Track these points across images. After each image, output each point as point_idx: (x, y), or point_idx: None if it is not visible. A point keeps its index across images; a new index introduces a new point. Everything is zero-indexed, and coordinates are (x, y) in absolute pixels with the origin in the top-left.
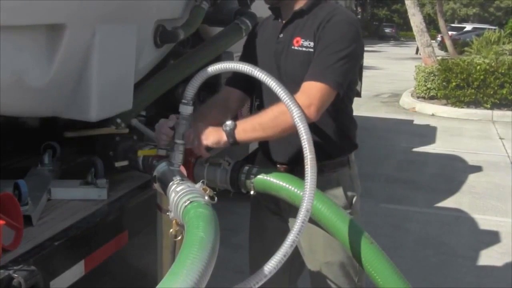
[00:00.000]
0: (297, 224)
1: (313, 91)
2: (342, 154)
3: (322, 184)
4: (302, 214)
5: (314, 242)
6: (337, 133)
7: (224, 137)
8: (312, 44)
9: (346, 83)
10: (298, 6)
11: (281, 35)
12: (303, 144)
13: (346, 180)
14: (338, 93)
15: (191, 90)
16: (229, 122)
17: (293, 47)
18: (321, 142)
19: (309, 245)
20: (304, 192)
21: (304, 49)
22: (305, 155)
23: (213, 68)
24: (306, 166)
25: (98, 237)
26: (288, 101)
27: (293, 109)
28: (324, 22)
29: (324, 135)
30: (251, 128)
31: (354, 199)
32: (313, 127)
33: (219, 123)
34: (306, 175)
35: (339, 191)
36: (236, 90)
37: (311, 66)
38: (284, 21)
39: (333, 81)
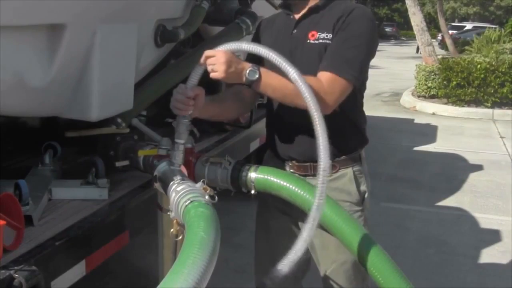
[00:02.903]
0: (304, 232)
1: (334, 85)
2: (355, 150)
3: (336, 181)
4: (309, 225)
5: (326, 240)
6: (351, 128)
7: (245, 64)
8: (329, 36)
9: (362, 77)
10: (313, 2)
11: (295, 31)
12: (319, 154)
13: (359, 177)
14: (354, 87)
15: (194, 80)
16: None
17: (308, 41)
18: (336, 138)
19: (321, 242)
20: (314, 201)
21: (321, 41)
22: (319, 165)
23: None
24: (318, 175)
25: (99, 237)
26: (311, 102)
27: (315, 113)
28: (344, 16)
29: (339, 131)
30: (278, 75)
31: (366, 195)
32: (329, 123)
33: (232, 114)
34: (318, 183)
35: (352, 187)
36: (244, 87)
37: (329, 56)
38: (297, 17)
39: (352, 76)
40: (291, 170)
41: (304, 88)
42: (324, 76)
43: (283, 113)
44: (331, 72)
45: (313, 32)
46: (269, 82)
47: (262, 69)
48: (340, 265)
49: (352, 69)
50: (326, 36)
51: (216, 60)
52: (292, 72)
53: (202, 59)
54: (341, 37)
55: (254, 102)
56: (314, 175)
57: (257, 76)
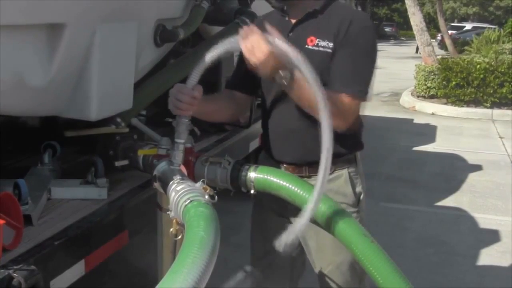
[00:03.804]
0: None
1: (351, 106)
2: (350, 152)
3: (331, 182)
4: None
5: (322, 241)
6: (348, 131)
7: (282, 67)
8: (331, 45)
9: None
10: (311, 6)
11: (291, 34)
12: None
13: (354, 178)
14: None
15: (193, 80)
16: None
17: (307, 47)
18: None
19: (316, 244)
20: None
21: (321, 49)
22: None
23: (210, 57)
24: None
25: (98, 237)
26: (324, 109)
27: (325, 119)
28: (345, 25)
29: (335, 134)
30: (307, 93)
31: (361, 196)
32: None
33: (224, 115)
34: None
35: (348, 189)
36: (238, 92)
37: (340, 75)
38: (293, 20)
39: (364, 93)
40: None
41: (324, 108)
42: (342, 98)
43: (278, 118)
44: (347, 94)
45: (312, 38)
46: (298, 91)
47: (296, 77)
48: (336, 267)
49: (364, 86)
50: (327, 44)
51: (258, 47)
52: (319, 93)
53: (243, 32)
54: (348, 53)
55: (249, 105)
56: (310, 176)
57: (286, 83)
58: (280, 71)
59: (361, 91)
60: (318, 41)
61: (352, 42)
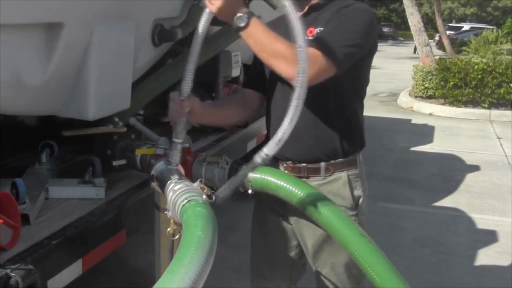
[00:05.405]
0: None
1: (316, 59)
2: (351, 153)
3: (330, 184)
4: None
5: (319, 242)
6: (348, 131)
7: (240, 9)
8: (322, 29)
9: (347, 64)
10: (314, 1)
11: None
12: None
13: (354, 181)
14: (336, 73)
15: (187, 86)
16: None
17: (306, 38)
18: (332, 140)
19: (314, 244)
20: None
21: (316, 36)
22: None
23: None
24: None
25: (95, 236)
26: (302, 60)
27: (299, 73)
28: (340, 9)
29: (334, 132)
30: (267, 30)
31: (361, 200)
32: (325, 124)
33: (233, 120)
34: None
35: (346, 192)
36: (253, 91)
37: (317, 38)
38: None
39: (335, 57)
40: (286, 171)
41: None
42: (309, 50)
43: (280, 113)
44: (316, 49)
45: (311, 29)
46: (254, 33)
47: (254, 19)
48: (333, 268)
49: (337, 52)
50: (320, 30)
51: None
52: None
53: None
54: (332, 24)
55: (260, 108)
56: (308, 177)
57: (243, 24)
58: (238, 13)
59: (330, 52)
60: (316, 30)
61: (337, 18)
